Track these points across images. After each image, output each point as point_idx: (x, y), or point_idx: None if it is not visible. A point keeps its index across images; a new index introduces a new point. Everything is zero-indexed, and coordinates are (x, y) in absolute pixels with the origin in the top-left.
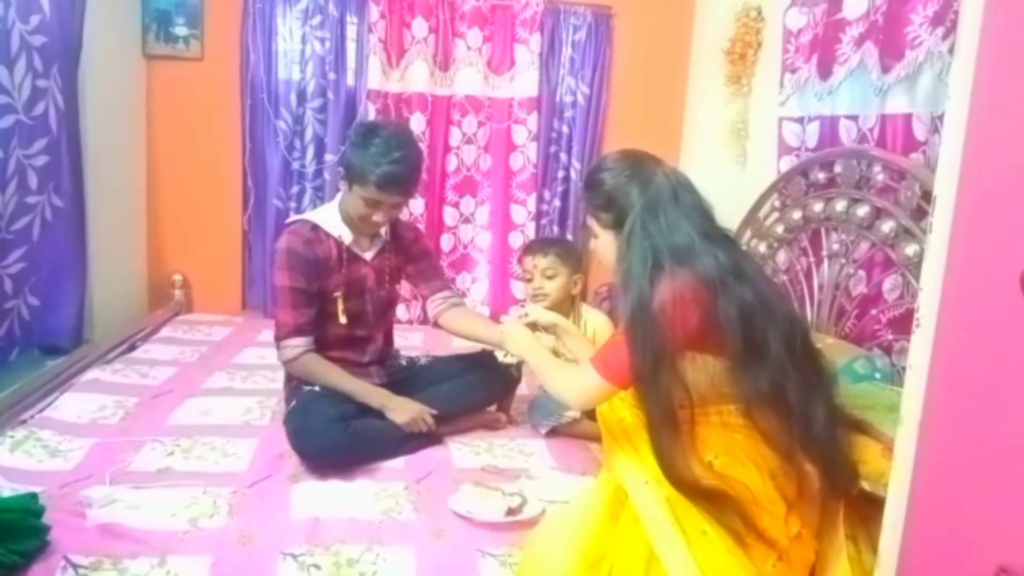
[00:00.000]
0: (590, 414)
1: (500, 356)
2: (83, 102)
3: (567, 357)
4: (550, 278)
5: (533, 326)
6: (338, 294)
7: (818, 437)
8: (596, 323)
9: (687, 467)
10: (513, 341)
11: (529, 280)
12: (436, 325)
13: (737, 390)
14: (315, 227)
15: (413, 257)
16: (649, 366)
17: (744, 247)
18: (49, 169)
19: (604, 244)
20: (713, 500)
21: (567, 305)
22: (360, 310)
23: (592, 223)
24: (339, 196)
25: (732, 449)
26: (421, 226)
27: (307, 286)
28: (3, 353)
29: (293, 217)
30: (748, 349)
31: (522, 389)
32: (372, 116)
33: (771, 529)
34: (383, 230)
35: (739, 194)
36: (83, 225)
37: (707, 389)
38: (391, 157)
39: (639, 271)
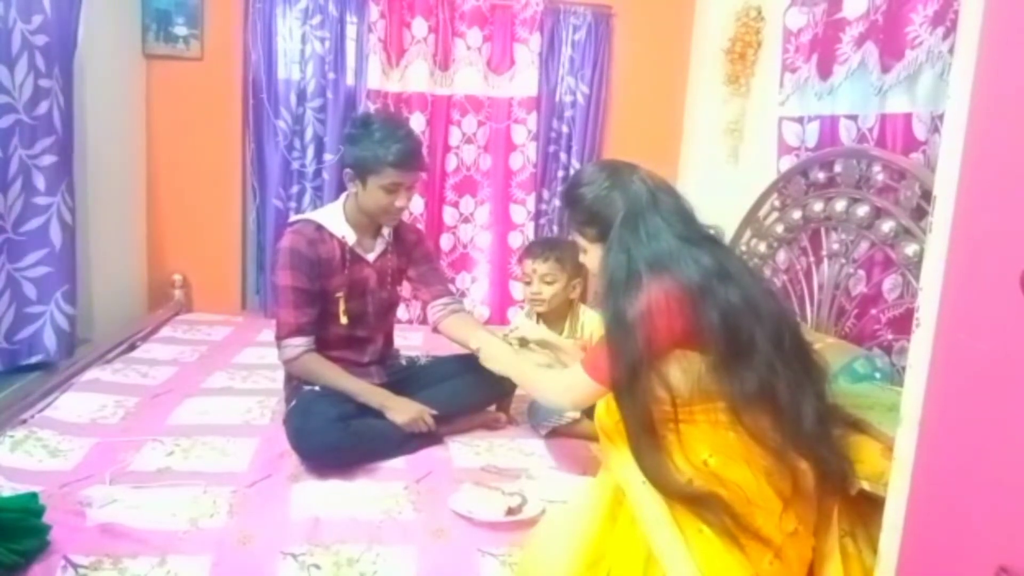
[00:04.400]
0: (590, 414)
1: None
2: (83, 102)
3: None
4: (548, 283)
5: (523, 342)
6: (340, 294)
7: (808, 435)
8: (594, 324)
9: (669, 473)
10: (491, 359)
11: (528, 283)
12: (435, 330)
13: (723, 390)
14: (319, 227)
15: (415, 260)
16: (624, 378)
17: (744, 247)
18: (57, 169)
19: (593, 258)
20: (701, 503)
21: (565, 308)
22: (362, 311)
23: (579, 239)
24: (343, 197)
25: (725, 448)
26: (421, 226)
27: (309, 286)
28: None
29: (296, 216)
30: (733, 350)
31: (522, 389)
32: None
33: (766, 527)
34: (386, 231)
35: (738, 193)
36: (73, 231)
37: (692, 388)
38: (398, 135)
39: (617, 284)
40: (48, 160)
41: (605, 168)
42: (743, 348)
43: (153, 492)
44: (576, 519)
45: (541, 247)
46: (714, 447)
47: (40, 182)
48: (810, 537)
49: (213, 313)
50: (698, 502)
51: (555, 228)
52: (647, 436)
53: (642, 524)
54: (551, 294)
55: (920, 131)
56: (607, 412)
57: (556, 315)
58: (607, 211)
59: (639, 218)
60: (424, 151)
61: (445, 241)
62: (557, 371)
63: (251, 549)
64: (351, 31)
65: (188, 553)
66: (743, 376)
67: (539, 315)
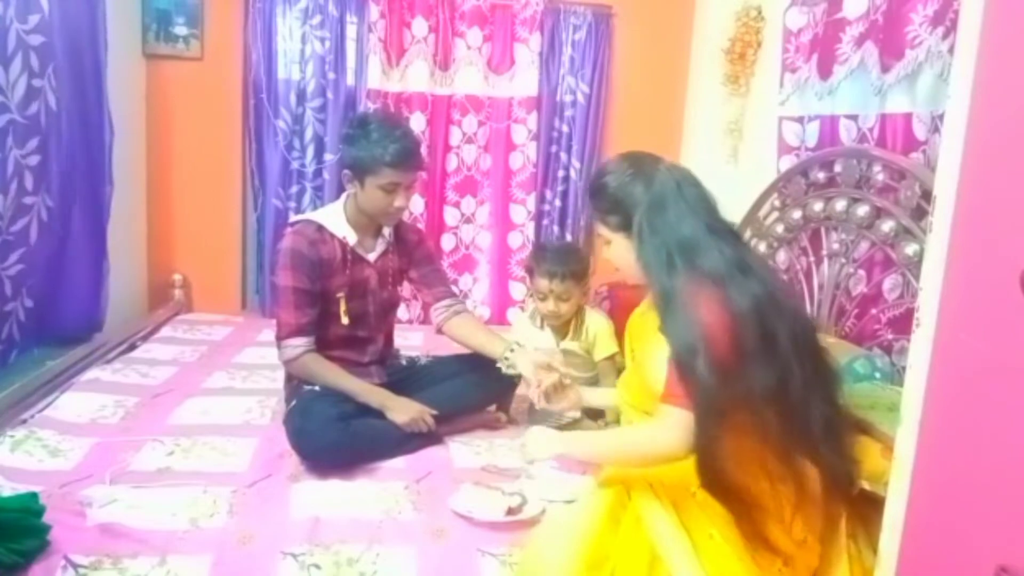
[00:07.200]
0: (590, 414)
1: (504, 368)
2: (83, 102)
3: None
4: (564, 300)
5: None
6: (341, 295)
7: (816, 439)
8: (597, 326)
9: (723, 462)
10: (541, 447)
11: (543, 299)
12: (439, 332)
13: (743, 385)
14: (320, 228)
15: (417, 261)
16: (686, 353)
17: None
18: (41, 169)
19: (617, 249)
20: (738, 501)
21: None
22: (362, 311)
23: (603, 229)
24: (343, 198)
25: (737, 454)
26: (421, 226)
27: (310, 287)
28: (2, 356)
29: (296, 217)
30: (756, 344)
31: (522, 389)
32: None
33: (775, 535)
34: (386, 231)
35: (738, 193)
36: (100, 216)
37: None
38: (394, 135)
39: (655, 267)
40: (35, 160)
41: (629, 158)
42: (766, 342)
43: (153, 492)
44: (578, 521)
45: (554, 264)
46: (729, 450)
47: (29, 182)
48: (817, 545)
49: (213, 313)
50: (735, 499)
51: (556, 228)
52: (711, 418)
53: (650, 529)
54: (567, 310)
55: (920, 131)
56: (621, 413)
57: (564, 320)
58: (630, 200)
59: (665, 205)
60: (422, 150)
61: (447, 241)
62: (641, 425)
63: (251, 549)
64: (351, 31)
65: (188, 553)
66: (764, 371)
67: (542, 319)
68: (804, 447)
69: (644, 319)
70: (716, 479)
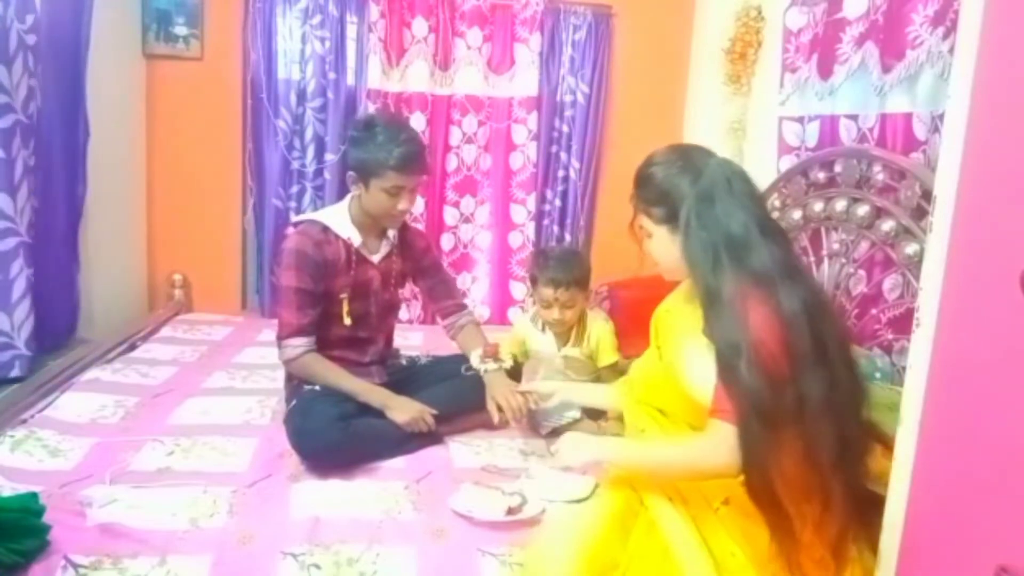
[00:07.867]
0: (590, 414)
1: (463, 369)
2: (64, 101)
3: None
4: (569, 307)
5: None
6: (344, 295)
7: (851, 454)
8: (600, 333)
9: (773, 470)
10: (576, 453)
11: (548, 307)
12: (453, 339)
13: (795, 393)
14: (325, 228)
15: (424, 270)
16: (730, 355)
17: None
18: (37, 169)
19: (659, 242)
20: (781, 514)
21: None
22: (364, 312)
23: (645, 221)
24: (348, 199)
25: (781, 466)
26: (421, 225)
27: (313, 287)
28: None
29: (300, 217)
30: (810, 349)
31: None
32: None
33: (795, 553)
34: (391, 233)
35: None
36: (75, 219)
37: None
38: (400, 139)
39: (701, 263)
40: (32, 161)
41: (679, 149)
42: (817, 348)
43: (153, 492)
44: (582, 520)
45: (558, 272)
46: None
47: (31, 182)
48: (832, 562)
49: (213, 313)
50: (776, 511)
51: (556, 228)
52: (759, 422)
53: (668, 536)
54: (571, 316)
55: (920, 131)
56: (631, 422)
57: (568, 324)
58: (676, 192)
59: (714, 199)
60: (426, 154)
61: (446, 241)
62: (689, 439)
63: (251, 549)
64: (351, 31)
65: (188, 553)
66: (813, 379)
67: (544, 323)
68: (837, 463)
69: (672, 315)
70: (764, 489)
